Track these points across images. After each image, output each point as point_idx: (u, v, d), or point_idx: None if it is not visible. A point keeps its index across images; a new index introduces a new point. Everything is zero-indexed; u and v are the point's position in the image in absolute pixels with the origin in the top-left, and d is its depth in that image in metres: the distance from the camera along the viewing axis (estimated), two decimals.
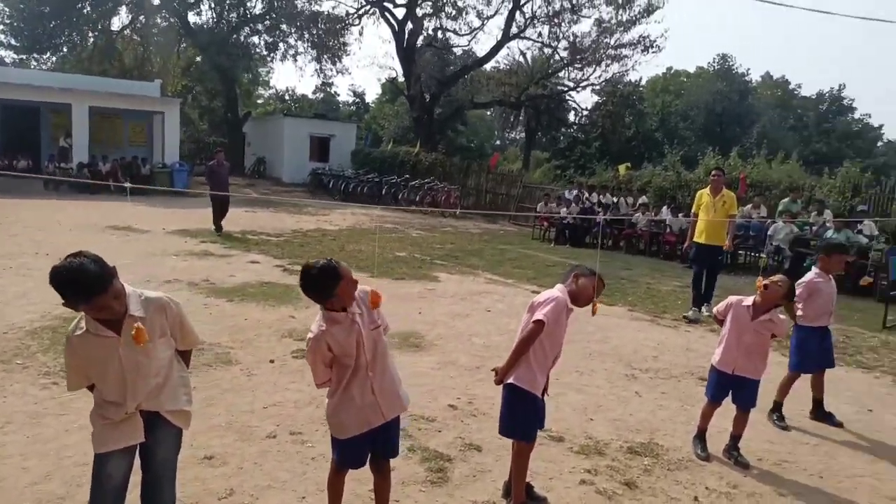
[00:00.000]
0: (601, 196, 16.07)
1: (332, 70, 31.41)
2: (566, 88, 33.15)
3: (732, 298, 4.10)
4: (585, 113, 37.58)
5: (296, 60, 32.11)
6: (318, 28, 29.01)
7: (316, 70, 31.54)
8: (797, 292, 4.53)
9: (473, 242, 14.81)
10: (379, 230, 15.86)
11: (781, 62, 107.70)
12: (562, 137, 42.25)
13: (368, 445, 2.76)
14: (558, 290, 3.22)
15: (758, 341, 3.93)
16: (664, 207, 14.39)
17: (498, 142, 63.02)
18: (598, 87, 32.98)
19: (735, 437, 4.05)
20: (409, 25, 28.33)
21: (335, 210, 20.75)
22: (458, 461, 3.75)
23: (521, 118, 42.83)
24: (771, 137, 36.90)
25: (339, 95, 65.93)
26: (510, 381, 3.13)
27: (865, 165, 25.93)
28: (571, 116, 39.38)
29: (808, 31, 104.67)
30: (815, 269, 4.85)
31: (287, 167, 29.05)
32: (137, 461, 2.49)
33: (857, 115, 44.70)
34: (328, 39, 30.05)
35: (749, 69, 44.88)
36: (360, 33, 55.30)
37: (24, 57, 31.51)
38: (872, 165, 30.74)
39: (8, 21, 28.13)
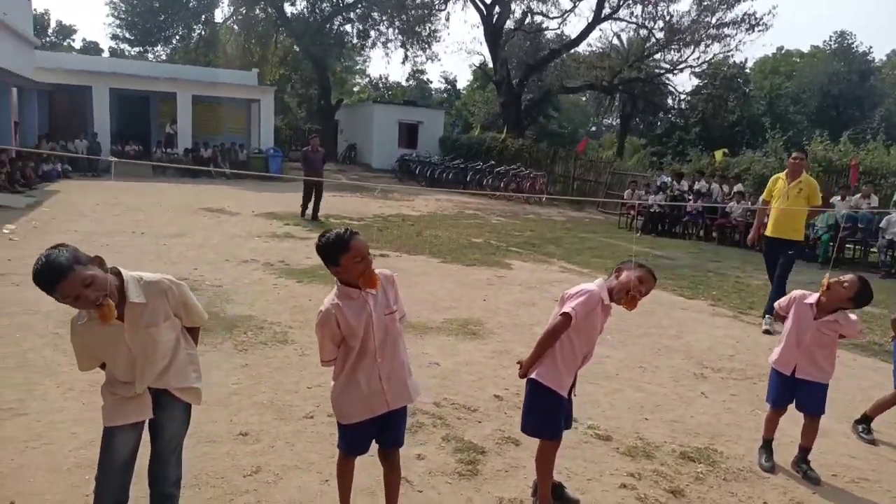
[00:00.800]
0: (694, 183, 15.18)
1: (420, 56, 31.64)
2: (662, 71, 31.60)
3: (796, 293, 3.67)
4: (684, 97, 35.71)
5: (386, 47, 32.64)
6: (408, 15, 29.23)
7: (405, 57, 31.87)
8: None
9: (555, 230, 14.44)
10: (459, 216, 15.79)
11: None
12: (659, 123, 40.44)
13: (372, 433, 2.67)
14: (595, 284, 2.97)
15: (821, 342, 3.50)
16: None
17: (594, 128, 61.21)
18: (697, 70, 31.25)
19: (804, 449, 3.63)
20: (497, 9, 27.95)
21: (420, 196, 20.91)
22: (492, 454, 3.59)
23: (615, 103, 41.37)
24: None
25: (431, 83, 66.50)
26: (533, 376, 2.94)
27: None
28: (669, 101, 37.56)
29: None
30: None
31: (376, 153, 29.60)
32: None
33: None
34: (416, 25, 30.26)
35: (871, 47, 41.07)
36: (447, 18, 55.54)
37: (140, 49, 33.84)
38: None
39: (123, 17, 30.31)
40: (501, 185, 22.00)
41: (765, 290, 8.89)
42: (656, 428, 4.13)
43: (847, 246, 11.79)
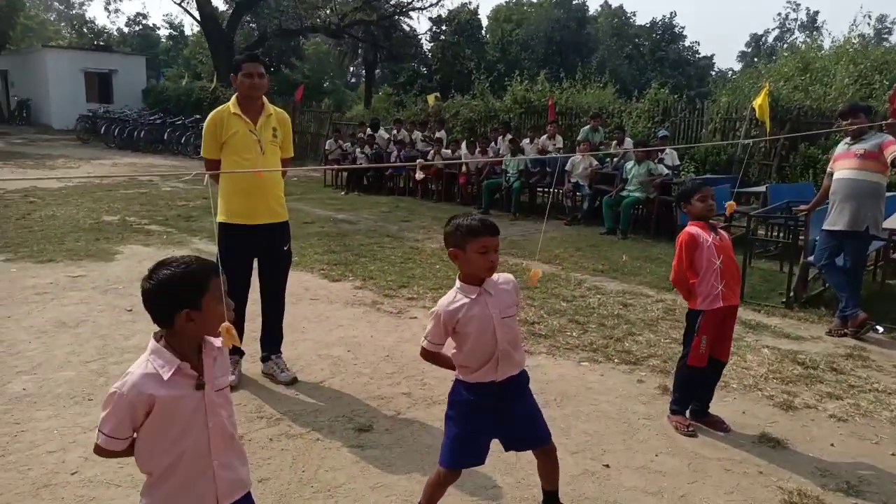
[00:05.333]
0: (395, 132, 13.62)
1: None
2: (391, 12, 30.17)
3: None
4: (421, 37, 35.09)
5: None
6: None
7: None
8: None
9: None
10: (121, 186, 12.50)
11: None
12: (402, 71, 39.29)
13: None
14: None
15: None
16: (463, 143, 12.23)
17: (353, 79, 58.48)
18: (432, 16, 30.42)
19: None
20: None
21: (92, 161, 16.94)
22: None
23: (359, 51, 39.33)
24: (609, 66, 36.26)
25: (158, 29, 58.73)
26: None
27: (695, 93, 25.44)
28: (409, 49, 36.44)
29: None
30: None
31: (56, 110, 24.15)
32: None
33: (686, 43, 45.52)
34: None
35: None
36: None
37: None
38: (701, 93, 30.84)
39: None
40: None
41: (436, 258, 7.42)
42: None
43: (539, 191, 11.07)
